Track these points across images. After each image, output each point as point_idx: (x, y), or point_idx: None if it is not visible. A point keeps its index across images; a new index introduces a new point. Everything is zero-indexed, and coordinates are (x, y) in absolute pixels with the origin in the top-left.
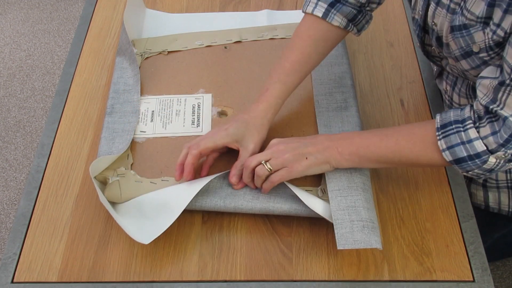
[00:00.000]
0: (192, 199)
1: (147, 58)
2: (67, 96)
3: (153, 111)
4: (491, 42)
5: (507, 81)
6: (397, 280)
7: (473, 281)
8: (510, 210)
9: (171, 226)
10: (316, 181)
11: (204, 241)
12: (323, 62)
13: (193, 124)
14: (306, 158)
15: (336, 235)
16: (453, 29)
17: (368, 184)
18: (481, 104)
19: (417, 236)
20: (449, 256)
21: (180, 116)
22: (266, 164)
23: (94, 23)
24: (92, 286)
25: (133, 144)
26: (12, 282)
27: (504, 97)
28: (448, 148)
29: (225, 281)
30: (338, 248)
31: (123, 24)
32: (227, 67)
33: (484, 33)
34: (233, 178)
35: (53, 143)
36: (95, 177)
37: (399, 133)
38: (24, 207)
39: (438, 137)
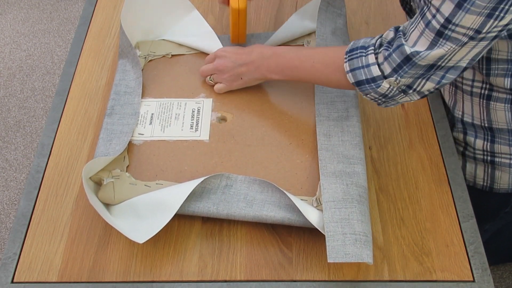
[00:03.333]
0: (185, 203)
1: (150, 60)
2: (67, 96)
3: (152, 114)
4: None
5: (418, 16)
6: (397, 280)
7: (473, 281)
8: (484, 184)
9: (171, 226)
10: (311, 191)
11: (204, 241)
12: None
13: (192, 129)
14: (241, 78)
15: (327, 247)
16: None
17: (364, 196)
18: (391, 30)
19: (417, 236)
20: (449, 256)
21: (179, 120)
22: (210, 80)
23: (94, 23)
24: (92, 286)
25: (130, 146)
26: (12, 282)
27: (411, 30)
28: (351, 70)
29: (225, 281)
30: (328, 261)
31: (121, 27)
32: None
33: None
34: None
35: (53, 143)
36: (90, 178)
37: (316, 56)
38: (24, 207)
39: (345, 60)
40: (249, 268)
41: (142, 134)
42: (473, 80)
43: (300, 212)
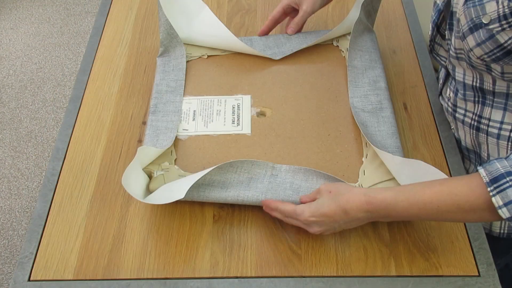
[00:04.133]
0: (235, 193)
1: (188, 61)
2: (81, 102)
3: (194, 110)
4: (506, 10)
5: None
6: (404, 275)
7: (479, 275)
8: (501, 231)
9: (183, 225)
10: (353, 178)
11: (215, 239)
12: (359, 64)
13: (233, 123)
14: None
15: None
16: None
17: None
18: None
19: (423, 233)
20: (454, 252)
21: (220, 116)
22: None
23: (106, 33)
24: (107, 284)
25: (176, 141)
26: (29, 280)
27: None
28: (506, 204)
29: (237, 277)
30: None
31: (162, 24)
32: (264, 70)
33: (497, 2)
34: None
35: (67, 148)
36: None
37: (440, 199)
38: (40, 209)
39: (491, 193)
40: (260, 264)
41: (187, 130)
42: (501, 122)
43: None
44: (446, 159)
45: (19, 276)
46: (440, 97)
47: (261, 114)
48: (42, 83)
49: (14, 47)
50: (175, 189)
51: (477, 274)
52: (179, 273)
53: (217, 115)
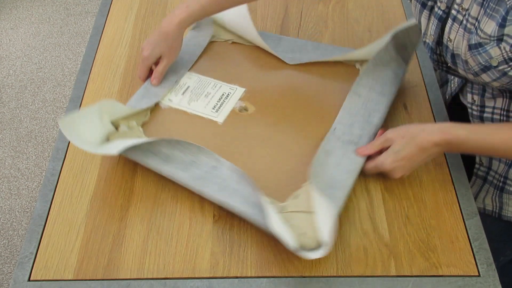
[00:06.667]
0: (173, 170)
1: (213, 42)
2: (81, 102)
3: (188, 86)
4: (510, 54)
5: None
6: (404, 275)
7: (479, 275)
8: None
9: (183, 225)
10: (281, 198)
11: (215, 239)
12: (364, 93)
13: (213, 109)
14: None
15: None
16: (470, 47)
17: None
18: None
19: (423, 233)
20: (454, 252)
21: (207, 98)
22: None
23: (106, 34)
24: (107, 284)
25: (156, 107)
26: (29, 280)
27: None
28: None
29: (237, 277)
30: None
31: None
32: (274, 70)
33: (500, 48)
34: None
35: (67, 148)
36: (111, 121)
37: (508, 144)
38: (40, 209)
39: None
40: (260, 264)
41: (171, 101)
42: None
43: (260, 212)
44: (446, 159)
45: (19, 276)
46: (461, 97)
47: (244, 109)
48: (42, 83)
49: (14, 47)
50: (119, 145)
51: (477, 274)
52: (179, 273)
53: (205, 97)
